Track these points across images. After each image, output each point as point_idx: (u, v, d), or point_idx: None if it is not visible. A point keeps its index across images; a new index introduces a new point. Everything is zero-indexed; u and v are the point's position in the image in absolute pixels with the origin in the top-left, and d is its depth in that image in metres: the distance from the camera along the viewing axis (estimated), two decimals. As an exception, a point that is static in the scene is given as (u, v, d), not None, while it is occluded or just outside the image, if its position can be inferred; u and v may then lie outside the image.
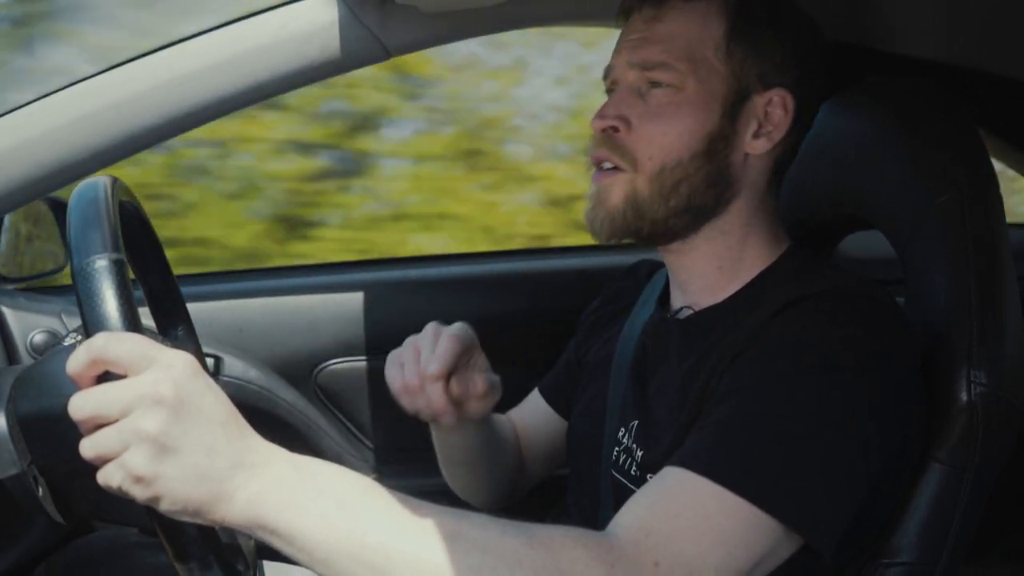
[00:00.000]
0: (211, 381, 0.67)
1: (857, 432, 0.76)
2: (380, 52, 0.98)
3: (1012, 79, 1.09)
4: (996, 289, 0.85)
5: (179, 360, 0.65)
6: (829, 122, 1.00)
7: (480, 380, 0.94)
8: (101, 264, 0.68)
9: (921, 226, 0.91)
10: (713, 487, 0.74)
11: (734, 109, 0.89)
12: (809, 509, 0.75)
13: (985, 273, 0.86)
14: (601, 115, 0.90)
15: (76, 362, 0.64)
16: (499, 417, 1.14)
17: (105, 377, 0.64)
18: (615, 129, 0.89)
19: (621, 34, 0.93)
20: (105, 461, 0.63)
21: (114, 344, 0.64)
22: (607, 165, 0.90)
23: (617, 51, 0.93)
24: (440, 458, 1.11)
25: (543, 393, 1.18)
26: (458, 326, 0.95)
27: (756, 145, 0.90)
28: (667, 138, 0.88)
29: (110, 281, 0.68)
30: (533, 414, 1.17)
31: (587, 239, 1.05)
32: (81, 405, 0.63)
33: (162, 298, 1.00)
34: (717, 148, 0.88)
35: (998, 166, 1.13)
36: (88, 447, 0.63)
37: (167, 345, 0.90)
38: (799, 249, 0.94)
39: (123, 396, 0.62)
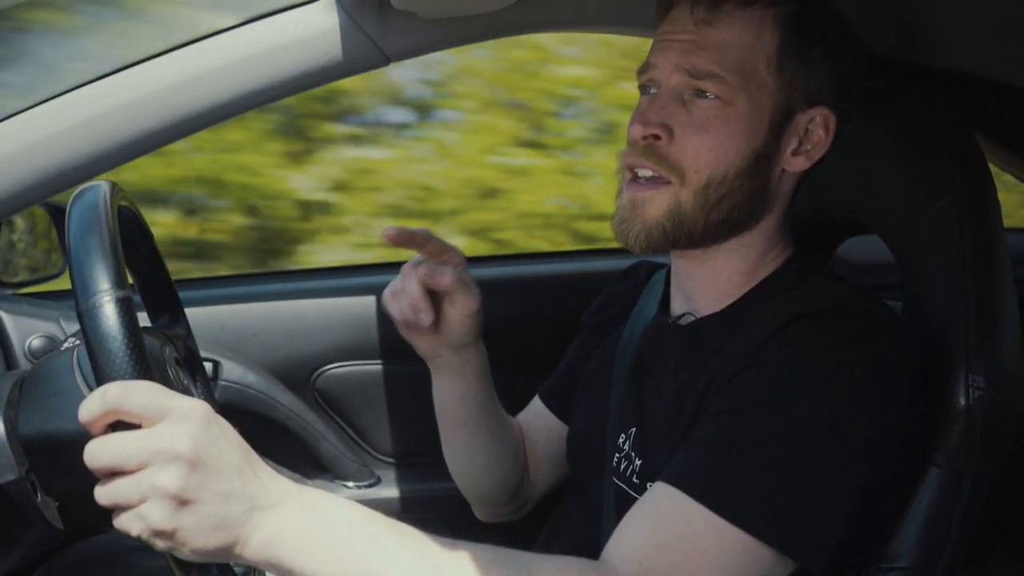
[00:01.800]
0: (224, 423, 0.68)
1: (849, 455, 0.77)
2: (379, 58, 0.98)
3: (1010, 85, 1.09)
4: (994, 293, 0.86)
5: (194, 410, 0.65)
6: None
7: (448, 273, 0.93)
8: (108, 305, 0.67)
9: (919, 231, 0.91)
10: (708, 515, 0.75)
11: (779, 127, 0.86)
12: (802, 535, 0.76)
13: (983, 277, 0.86)
14: (643, 121, 0.86)
15: (89, 412, 0.64)
16: (505, 415, 1.13)
17: (118, 423, 0.65)
18: (656, 137, 0.85)
19: (662, 30, 0.89)
20: (120, 508, 0.64)
21: (129, 395, 0.64)
22: (646, 174, 0.86)
23: (660, 50, 0.88)
24: (440, 423, 1.09)
25: (544, 398, 1.17)
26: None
27: (795, 163, 0.88)
28: (714, 153, 0.84)
29: (118, 322, 0.67)
30: (535, 419, 1.17)
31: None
32: (97, 455, 0.63)
33: (154, 289, 1.01)
34: (760, 166, 0.86)
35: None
36: (104, 496, 0.64)
37: (177, 374, 0.91)
38: (801, 257, 0.94)
39: (141, 450, 0.63)
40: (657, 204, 0.86)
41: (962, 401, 0.82)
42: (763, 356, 0.81)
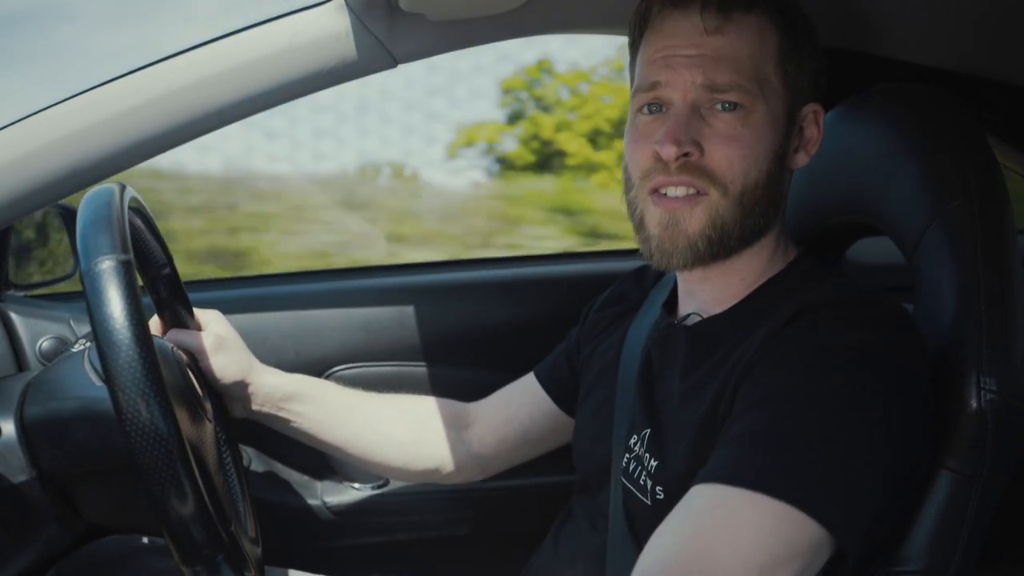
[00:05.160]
0: None
1: (873, 434, 0.76)
2: (388, 60, 0.98)
3: (1017, 85, 1.08)
4: (1006, 295, 0.85)
5: None
6: (837, 130, 1.00)
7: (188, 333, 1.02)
8: (108, 265, 0.68)
9: (930, 233, 0.91)
10: (742, 493, 0.73)
11: (789, 127, 0.88)
12: (836, 506, 0.73)
13: (994, 279, 0.85)
14: (674, 141, 0.84)
15: None
16: (396, 402, 1.18)
17: None
18: (687, 155, 0.84)
19: (662, 44, 0.87)
20: None
21: None
22: (680, 192, 0.86)
23: (669, 67, 0.86)
24: None
25: (539, 375, 1.18)
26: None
27: (797, 160, 0.90)
28: (746, 162, 0.85)
29: (116, 282, 0.67)
30: (521, 395, 1.18)
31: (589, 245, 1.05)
32: None
33: (170, 305, 1.01)
34: (779, 168, 0.88)
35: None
36: None
37: (190, 378, 0.91)
38: (805, 257, 0.94)
39: None
40: (698, 217, 0.86)
41: (974, 404, 0.81)
42: (772, 350, 0.81)
